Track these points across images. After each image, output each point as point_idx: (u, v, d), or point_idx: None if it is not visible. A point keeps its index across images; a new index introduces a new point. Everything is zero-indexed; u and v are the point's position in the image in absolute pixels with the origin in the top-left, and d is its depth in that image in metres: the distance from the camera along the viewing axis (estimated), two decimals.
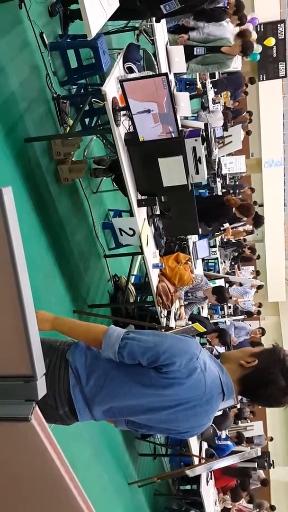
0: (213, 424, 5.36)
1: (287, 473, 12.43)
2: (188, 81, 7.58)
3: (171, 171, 3.22)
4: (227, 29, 5.61)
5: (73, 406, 1.51)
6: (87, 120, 4.03)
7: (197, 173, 3.27)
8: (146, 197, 3.45)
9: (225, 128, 7.73)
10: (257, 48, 11.47)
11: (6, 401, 0.97)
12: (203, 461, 5.10)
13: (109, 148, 4.48)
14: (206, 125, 6.11)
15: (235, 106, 11.13)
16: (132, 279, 4.93)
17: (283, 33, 13.35)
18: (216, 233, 7.43)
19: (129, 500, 4.91)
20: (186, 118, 5.75)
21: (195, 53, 5.34)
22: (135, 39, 4.54)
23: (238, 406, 8.52)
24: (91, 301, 4.09)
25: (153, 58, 4.01)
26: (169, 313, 4.09)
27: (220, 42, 5.36)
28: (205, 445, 5.59)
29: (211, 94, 7.39)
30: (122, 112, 2.97)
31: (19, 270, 0.87)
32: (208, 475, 5.48)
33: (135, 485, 5.00)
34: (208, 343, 5.34)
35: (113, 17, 3.15)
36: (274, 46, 13.20)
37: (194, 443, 5.01)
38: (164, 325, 3.92)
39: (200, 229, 4.48)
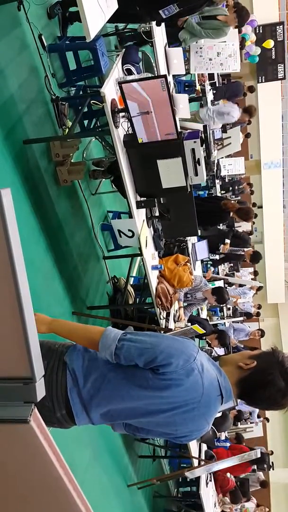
0: (212, 426, 5.35)
1: (287, 475, 12.41)
2: (187, 83, 7.59)
3: (170, 173, 3.22)
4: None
5: (71, 409, 1.51)
6: (86, 122, 4.04)
7: (196, 174, 3.27)
8: (145, 198, 3.45)
9: (224, 129, 7.74)
10: (256, 50, 11.53)
11: (5, 403, 0.97)
12: (202, 463, 5.10)
13: (108, 150, 4.49)
14: (205, 126, 6.13)
15: None
16: (131, 280, 4.93)
17: (282, 35, 13.36)
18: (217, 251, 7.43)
19: (128, 502, 4.90)
20: (185, 120, 5.76)
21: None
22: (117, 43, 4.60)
23: (238, 407, 8.52)
24: (90, 302, 4.09)
25: (151, 59, 4.02)
26: (168, 314, 4.09)
27: (215, 12, 5.29)
28: (204, 447, 5.59)
29: (210, 96, 7.40)
30: (121, 114, 2.98)
31: (18, 272, 0.87)
32: (207, 477, 5.47)
33: (134, 487, 4.99)
34: (207, 345, 5.34)
35: (112, 20, 3.16)
36: (273, 48, 13.22)
37: (193, 445, 5.00)
38: (163, 327, 3.92)
39: (199, 231, 4.48)
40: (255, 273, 12.14)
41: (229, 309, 9.54)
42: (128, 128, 3.09)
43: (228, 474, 6.94)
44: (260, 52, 11.74)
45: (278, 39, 13.35)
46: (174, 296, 4.03)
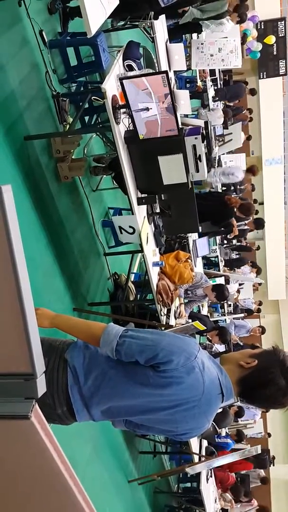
0: (213, 422, 5.37)
1: (287, 471, 12.44)
2: (188, 79, 7.57)
3: (171, 169, 3.21)
4: (227, 27, 5.60)
5: (71, 405, 1.51)
6: (86, 118, 4.03)
7: (197, 171, 3.26)
8: (146, 195, 3.44)
9: (225, 126, 7.71)
10: (258, 46, 11.47)
11: (6, 399, 0.97)
12: (203, 459, 5.11)
13: (109, 146, 4.48)
14: (206, 123, 6.11)
15: (235, 104, 11.10)
16: (132, 277, 4.93)
17: (283, 30, 13.29)
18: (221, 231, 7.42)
19: (129, 498, 4.92)
20: (186, 116, 5.74)
21: None
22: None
23: (238, 404, 8.53)
24: (91, 299, 4.09)
25: (153, 55, 4.00)
26: (169, 311, 4.09)
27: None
28: (205, 443, 5.61)
29: (211, 92, 7.38)
30: (122, 110, 2.97)
31: (19, 268, 0.87)
32: (208, 473, 5.49)
33: (135, 483, 5.01)
34: (208, 341, 5.34)
35: (113, 15, 3.14)
36: (275, 44, 13.14)
37: (194, 441, 5.02)
38: (164, 323, 3.92)
39: (200, 227, 4.47)
40: (258, 271, 12.11)
41: (230, 305, 9.54)
42: (129, 124, 3.08)
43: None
44: (261, 48, 11.66)
45: (280, 35, 13.28)
46: (175, 292, 4.03)
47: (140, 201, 3.39)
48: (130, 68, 3.32)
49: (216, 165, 7.33)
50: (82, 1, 2.56)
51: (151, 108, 2.86)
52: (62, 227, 3.68)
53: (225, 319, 8.96)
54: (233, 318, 9.32)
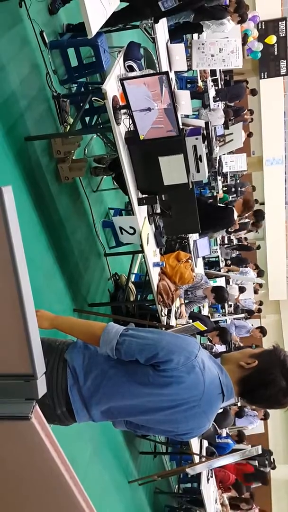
0: (213, 423, 5.36)
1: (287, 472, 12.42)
2: (189, 79, 7.57)
3: (172, 170, 3.21)
4: (228, 27, 5.60)
5: (71, 406, 1.51)
6: (87, 118, 4.03)
7: (198, 171, 3.26)
8: (146, 195, 3.44)
9: (226, 126, 7.71)
10: (259, 46, 11.47)
11: (6, 400, 0.97)
12: (203, 459, 5.11)
13: (109, 147, 4.48)
14: (207, 123, 6.09)
15: (236, 104, 11.10)
16: (133, 277, 4.93)
17: (284, 30, 13.30)
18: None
19: (129, 498, 4.92)
20: (186, 116, 5.74)
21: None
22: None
23: (239, 404, 8.52)
24: (91, 299, 4.09)
25: (153, 56, 4.00)
26: (169, 311, 4.09)
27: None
28: (205, 443, 5.60)
29: (212, 92, 7.37)
30: (123, 111, 2.97)
31: (19, 269, 0.87)
32: (208, 473, 5.48)
33: (135, 483, 5.01)
34: (208, 342, 5.34)
35: (113, 19, 3.14)
36: (275, 44, 13.16)
37: (194, 441, 5.02)
38: (165, 324, 3.92)
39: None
40: (259, 274, 12.08)
41: (230, 306, 9.54)
42: (129, 124, 3.08)
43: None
44: (262, 48, 11.67)
45: (281, 35, 13.29)
46: (175, 293, 4.03)
47: (140, 202, 3.40)
48: (131, 68, 3.32)
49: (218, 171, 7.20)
50: (82, 2, 2.56)
51: (152, 109, 2.86)
52: (63, 228, 3.68)
53: (226, 320, 8.95)
54: (234, 319, 9.32)
